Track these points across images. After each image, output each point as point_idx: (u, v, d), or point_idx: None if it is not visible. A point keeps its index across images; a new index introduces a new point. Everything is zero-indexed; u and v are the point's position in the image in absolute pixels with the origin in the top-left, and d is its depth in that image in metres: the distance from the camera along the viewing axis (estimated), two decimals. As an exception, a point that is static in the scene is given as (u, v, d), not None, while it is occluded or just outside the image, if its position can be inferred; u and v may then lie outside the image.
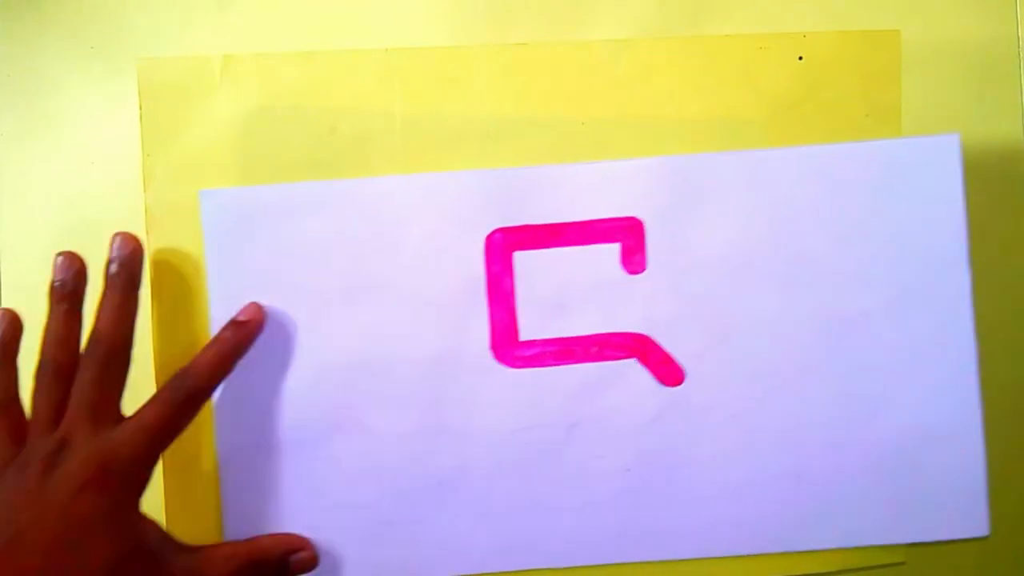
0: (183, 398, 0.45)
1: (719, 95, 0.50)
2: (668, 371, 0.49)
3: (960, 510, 0.50)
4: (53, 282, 0.46)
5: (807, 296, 0.49)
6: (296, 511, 0.49)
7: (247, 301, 0.48)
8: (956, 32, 0.50)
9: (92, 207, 0.49)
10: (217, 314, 0.48)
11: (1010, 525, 0.52)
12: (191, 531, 0.48)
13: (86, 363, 0.45)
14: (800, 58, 0.51)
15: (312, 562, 0.49)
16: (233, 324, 0.47)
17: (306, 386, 0.49)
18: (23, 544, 0.41)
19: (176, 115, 0.48)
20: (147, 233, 0.48)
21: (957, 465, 0.50)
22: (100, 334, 0.45)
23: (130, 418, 0.44)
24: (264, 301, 0.48)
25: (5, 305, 0.49)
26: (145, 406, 0.45)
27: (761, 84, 0.50)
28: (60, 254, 0.46)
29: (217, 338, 0.47)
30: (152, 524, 0.45)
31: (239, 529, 0.49)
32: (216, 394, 0.47)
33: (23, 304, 0.48)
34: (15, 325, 0.46)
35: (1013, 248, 0.53)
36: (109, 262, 0.46)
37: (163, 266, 0.48)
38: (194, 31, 0.49)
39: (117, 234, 0.46)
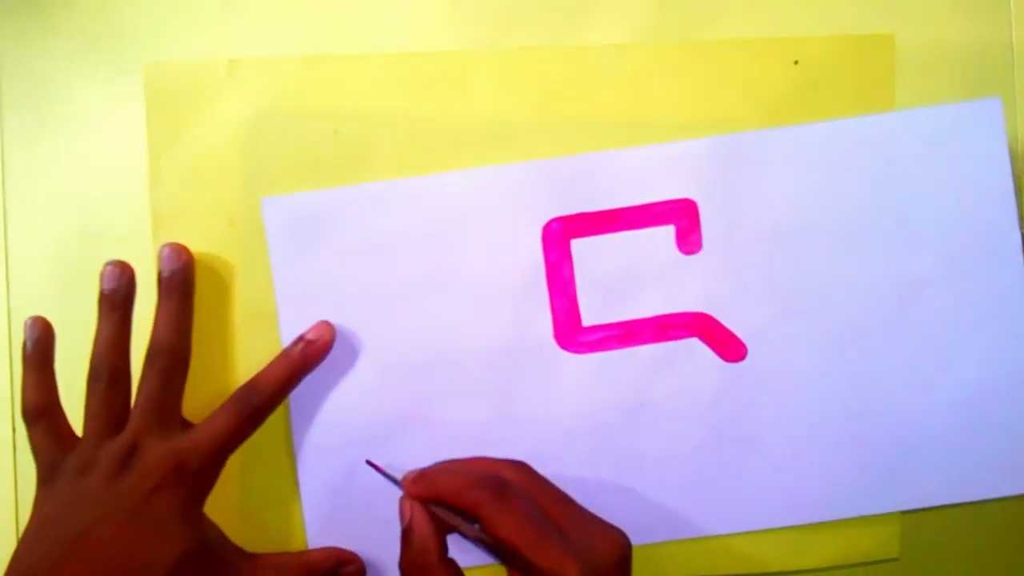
0: (250, 411, 0.46)
1: (716, 99, 0.50)
2: (730, 347, 0.50)
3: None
4: (104, 291, 0.47)
5: (862, 265, 0.50)
6: (374, 508, 0.50)
7: (313, 306, 0.49)
8: (950, 36, 0.51)
9: (99, 209, 0.50)
10: (285, 319, 0.49)
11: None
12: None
13: (150, 372, 0.46)
14: (796, 62, 0.51)
15: (360, 573, 0.50)
16: (303, 342, 0.48)
17: (376, 385, 0.50)
18: (93, 539, 0.43)
19: (182, 118, 0.49)
20: (153, 237, 0.49)
21: (1019, 422, 0.51)
22: (162, 343, 0.46)
23: (200, 426, 0.46)
24: (329, 304, 0.49)
25: (13, 306, 0.50)
26: (215, 415, 0.46)
27: (757, 88, 0.50)
28: (110, 264, 0.47)
29: (286, 353, 0.48)
30: (213, 526, 0.47)
31: (320, 528, 0.50)
32: (291, 397, 0.49)
33: (31, 304, 0.49)
34: (49, 331, 0.48)
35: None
36: (161, 272, 0.47)
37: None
38: (199, 35, 0.50)
39: (166, 245, 0.48)
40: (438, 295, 0.49)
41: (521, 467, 0.46)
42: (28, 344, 0.47)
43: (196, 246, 0.49)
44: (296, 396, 0.49)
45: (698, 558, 0.51)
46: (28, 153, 0.50)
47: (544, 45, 0.50)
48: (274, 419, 0.48)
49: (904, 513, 0.52)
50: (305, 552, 0.50)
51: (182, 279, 0.47)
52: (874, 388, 0.50)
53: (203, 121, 0.49)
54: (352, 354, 0.49)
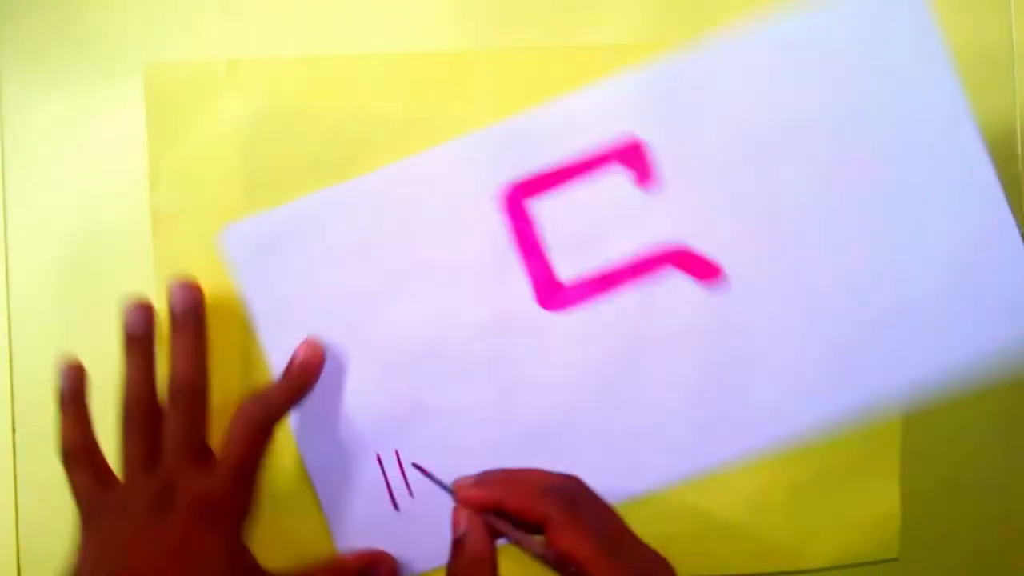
0: (261, 427, 0.46)
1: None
2: (708, 271, 0.50)
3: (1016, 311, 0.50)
4: (127, 329, 0.46)
5: (818, 163, 0.50)
6: (393, 503, 0.50)
7: (294, 324, 0.49)
8: (950, 35, 0.50)
9: (99, 210, 0.50)
10: (271, 343, 0.50)
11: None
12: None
13: (175, 409, 0.46)
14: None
15: (394, 573, 0.49)
16: (297, 363, 0.49)
17: (372, 386, 0.50)
18: None
19: (181, 119, 0.49)
20: (153, 237, 0.49)
21: (1002, 276, 0.50)
22: (182, 379, 0.47)
23: (222, 459, 0.46)
24: (310, 318, 0.50)
25: (13, 306, 0.50)
26: (230, 445, 0.46)
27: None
28: (131, 304, 0.47)
29: (286, 375, 0.49)
30: (249, 552, 0.47)
31: (347, 535, 0.50)
32: (292, 419, 0.49)
33: (30, 305, 0.50)
34: (82, 373, 0.48)
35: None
36: (173, 308, 0.48)
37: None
38: (199, 35, 0.50)
39: (174, 281, 0.48)
40: (413, 286, 0.50)
41: (580, 483, 0.45)
42: (63, 386, 0.46)
43: (196, 247, 0.49)
44: (297, 413, 0.49)
45: (698, 559, 0.49)
46: (28, 153, 0.50)
47: (544, 45, 0.50)
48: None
49: (905, 512, 0.52)
50: (336, 558, 0.50)
51: (195, 314, 0.47)
52: (859, 277, 0.50)
53: (203, 121, 0.49)
54: (343, 361, 0.50)
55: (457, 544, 0.43)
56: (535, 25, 0.51)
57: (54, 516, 0.48)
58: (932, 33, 0.50)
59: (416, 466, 0.49)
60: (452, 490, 0.44)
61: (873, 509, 0.52)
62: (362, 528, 0.50)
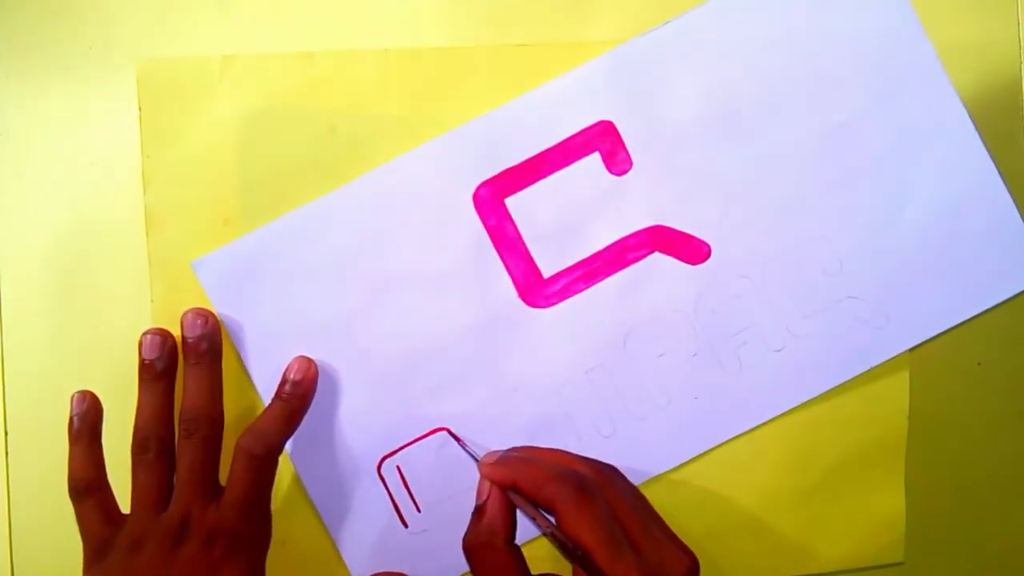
0: (263, 459, 0.46)
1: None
2: (691, 249, 0.49)
3: (1008, 262, 0.50)
4: (144, 360, 0.46)
5: (791, 127, 0.49)
6: (401, 520, 0.49)
7: (279, 347, 0.48)
8: (957, 34, 0.51)
9: (92, 208, 0.49)
10: (256, 368, 0.49)
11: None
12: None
13: (190, 444, 0.46)
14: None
15: None
16: (289, 383, 0.48)
17: (365, 401, 0.49)
18: None
19: (176, 115, 0.48)
20: (147, 235, 0.48)
21: (993, 226, 0.50)
22: (198, 413, 0.46)
23: (227, 491, 0.45)
24: (294, 340, 0.49)
25: (5, 306, 0.49)
26: (234, 478, 0.46)
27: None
28: (149, 332, 0.46)
29: (279, 397, 0.48)
30: None
31: (359, 559, 0.50)
32: (287, 446, 0.48)
33: (21, 305, 0.49)
34: (96, 406, 0.47)
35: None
36: (187, 339, 0.47)
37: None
38: (193, 32, 0.49)
39: (189, 311, 0.47)
40: (395, 296, 0.49)
41: (607, 470, 0.44)
42: (75, 419, 0.46)
43: (190, 245, 0.48)
44: (291, 439, 0.48)
45: (704, 562, 0.48)
46: (19, 151, 0.49)
47: (542, 42, 0.50)
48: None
49: (909, 516, 0.51)
50: None
51: (209, 344, 0.47)
52: (842, 241, 0.49)
53: (197, 118, 0.48)
54: (332, 380, 0.49)
55: (478, 511, 0.43)
56: (530, 21, 0.50)
57: (46, 517, 0.47)
58: None
59: (449, 432, 0.49)
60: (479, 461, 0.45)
61: (878, 513, 0.52)
62: (373, 549, 0.49)
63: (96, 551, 0.45)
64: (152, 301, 0.48)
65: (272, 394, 0.47)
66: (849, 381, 0.50)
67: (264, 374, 0.48)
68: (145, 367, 0.46)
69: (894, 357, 0.50)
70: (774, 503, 0.51)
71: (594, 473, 0.43)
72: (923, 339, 0.49)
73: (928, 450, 0.52)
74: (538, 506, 0.42)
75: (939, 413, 0.52)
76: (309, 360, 0.48)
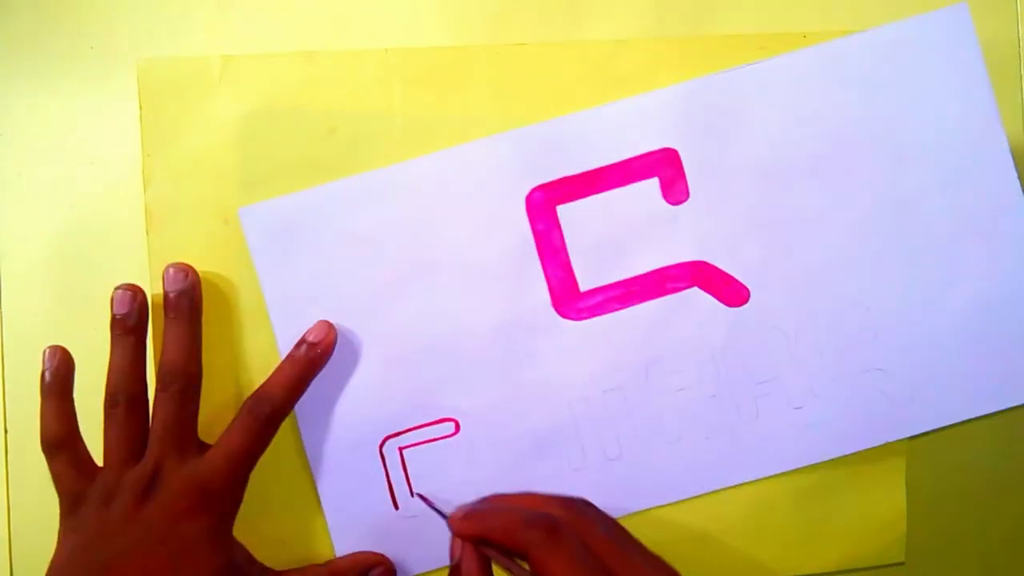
0: (262, 423, 0.46)
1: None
2: (731, 291, 0.49)
3: None
4: (115, 315, 0.46)
5: (852, 191, 0.49)
6: (392, 500, 0.49)
7: (305, 310, 0.48)
8: None
9: (92, 207, 0.49)
10: (281, 328, 0.48)
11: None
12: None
13: (164, 397, 0.45)
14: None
15: (390, 575, 0.49)
16: (305, 344, 0.47)
17: (380, 380, 0.49)
18: (122, 567, 0.42)
19: (176, 115, 0.48)
20: (147, 234, 0.48)
21: None
22: (174, 367, 0.46)
23: (217, 445, 0.45)
24: (322, 304, 0.48)
25: (5, 305, 0.49)
26: (229, 433, 0.45)
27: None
28: (120, 287, 0.46)
29: (291, 357, 0.47)
30: (241, 547, 0.47)
31: (344, 534, 0.49)
32: (297, 405, 0.48)
33: (22, 303, 0.49)
34: (68, 361, 0.47)
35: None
36: (167, 293, 0.46)
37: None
38: (194, 31, 0.49)
39: (170, 265, 0.47)
40: (430, 281, 0.48)
41: (576, 505, 0.43)
42: (47, 374, 0.45)
43: (190, 245, 0.48)
44: (302, 403, 0.48)
45: (703, 564, 0.49)
46: (20, 150, 0.49)
47: (543, 41, 0.50)
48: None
49: (910, 516, 0.52)
50: (332, 561, 0.49)
51: (189, 300, 0.46)
52: (881, 313, 0.50)
53: (197, 118, 0.48)
54: (352, 352, 0.48)
55: (453, 571, 0.43)
56: (533, 20, 0.50)
57: (46, 515, 0.46)
58: (977, 59, 0.49)
59: (420, 496, 0.49)
60: (447, 518, 0.44)
61: (879, 513, 0.53)
62: (361, 526, 0.49)
63: (70, 505, 0.44)
64: (152, 301, 0.47)
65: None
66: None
67: (287, 332, 0.48)
68: (116, 322, 0.46)
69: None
70: (775, 503, 0.51)
71: (564, 511, 0.42)
72: (942, 425, 0.50)
73: (928, 450, 0.53)
74: (512, 554, 0.42)
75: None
76: (330, 325, 0.47)
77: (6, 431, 0.49)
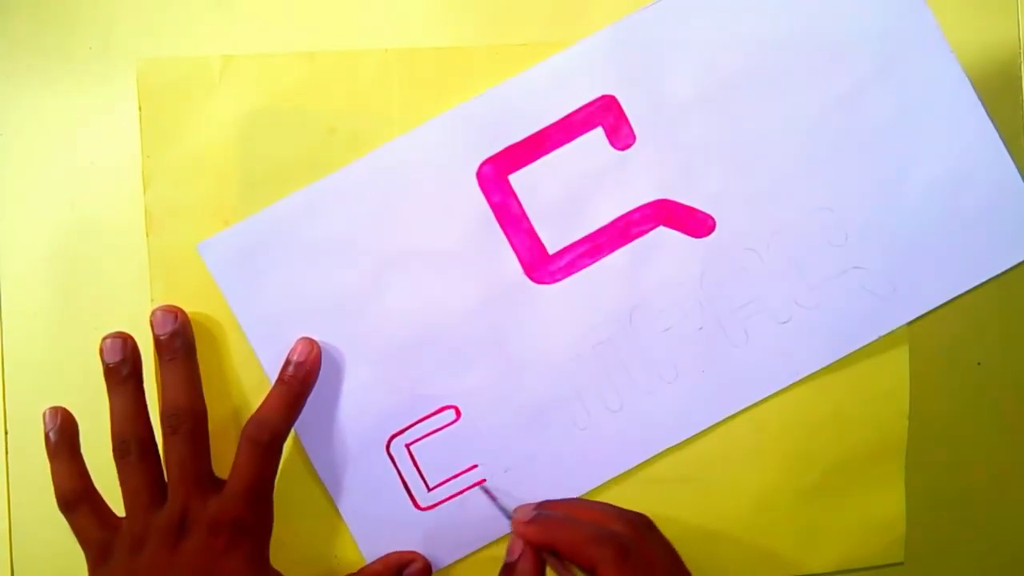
0: (265, 447, 0.46)
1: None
2: (696, 223, 0.49)
3: (1013, 231, 0.50)
4: (108, 364, 0.46)
5: (792, 97, 0.49)
6: (411, 498, 0.49)
7: (284, 330, 0.48)
8: (957, 33, 0.49)
9: (92, 208, 0.49)
10: (263, 351, 0.48)
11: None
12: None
13: (176, 439, 0.45)
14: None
15: (426, 570, 0.49)
16: (292, 365, 0.48)
17: (372, 381, 0.49)
18: None
19: (176, 116, 0.48)
20: (147, 235, 0.48)
21: (997, 195, 0.50)
22: (180, 408, 0.46)
23: (232, 478, 0.45)
24: (300, 320, 0.48)
25: (5, 306, 0.49)
26: (237, 465, 0.45)
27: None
28: (109, 336, 0.46)
29: (280, 380, 0.47)
30: (276, 571, 0.46)
31: (370, 539, 0.49)
32: (297, 427, 0.48)
33: (22, 303, 0.49)
34: (70, 419, 0.46)
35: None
36: (158, 337, 0.47)
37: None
38: (193, 32, 0.49)
39: (157, 309, 0.47)
40: (400, 275, 0.48)
41: (638, 525, 0.44)
42: (52, 434, 0.45)
43: (190, 246, 0.48)
44: (300, 420, 0.48)
45: (703, 563, 0.48)
46: (20, 151, 0.49)
47: (543, 41, 0.50)
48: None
49: (910, 516, 0.51)
50: (364, 568, 0.49)
51: (182, 340, 0.46)
52: (846, 211, 0.49)
53: (197, 118, 0.48)
54: (338, 361, 0.49)
55: (508, 568, 0.43)
56: (531, 21, 0.50)
57: (46, 515, 0.46)
58: None
59: (483, 488, 0.49)
60: (510, 517, 0.45)
61: (878, 513, 0.52)
62: (384, 528, 0.49)
63: (98, 556, 0.44)
64: (152, 301, 0.48)
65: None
66: (850, 381, 0.50)
67: (271, 356, 0.48)
68: (110, 371, 0.46)
69: (896, 357, 0.51)
70: (774, 503, 0.51)
71: (630, 530, 0.43)
72: (929, 308, 0.49)
73: (928, 450, 0.52)
74: (573, 565, 0.42)
75: (939, 413, 0.52)
76: (312, 341, 0.48)
77: (6, 431, 0.49)
